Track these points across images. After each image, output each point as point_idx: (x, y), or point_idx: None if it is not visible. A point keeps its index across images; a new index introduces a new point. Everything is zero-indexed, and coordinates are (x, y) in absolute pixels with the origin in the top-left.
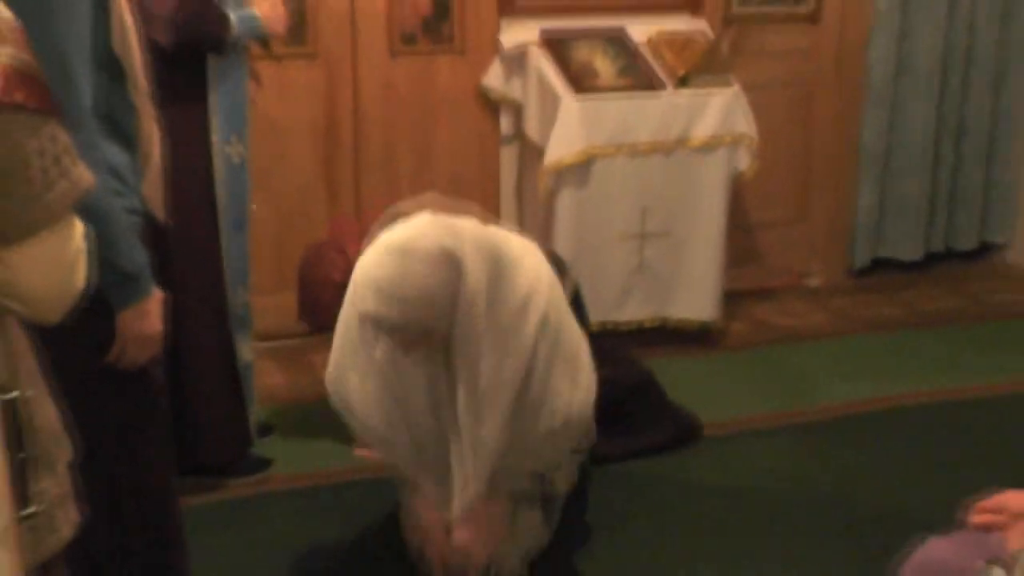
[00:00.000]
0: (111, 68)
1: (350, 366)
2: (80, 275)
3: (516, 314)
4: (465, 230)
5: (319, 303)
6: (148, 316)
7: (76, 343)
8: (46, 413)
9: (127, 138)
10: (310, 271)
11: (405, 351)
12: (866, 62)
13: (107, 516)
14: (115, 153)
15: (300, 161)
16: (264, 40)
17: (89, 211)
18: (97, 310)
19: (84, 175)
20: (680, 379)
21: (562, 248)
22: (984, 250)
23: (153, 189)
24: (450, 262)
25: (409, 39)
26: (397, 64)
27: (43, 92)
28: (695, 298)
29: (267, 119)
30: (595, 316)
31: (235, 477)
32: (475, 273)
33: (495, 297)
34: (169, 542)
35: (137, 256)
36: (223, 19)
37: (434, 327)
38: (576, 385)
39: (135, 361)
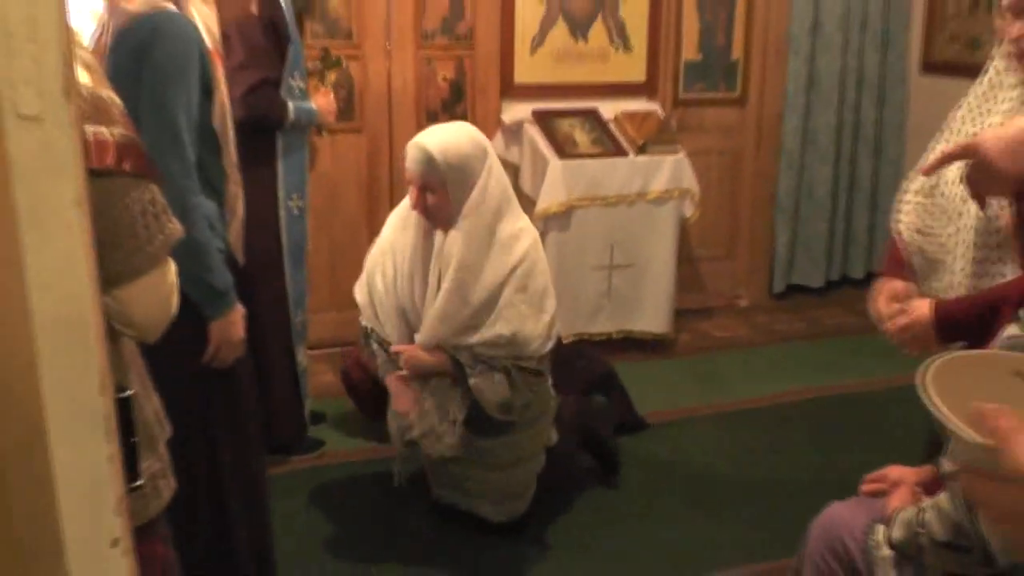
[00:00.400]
0: (210, 141)
1: (375, 266)
2: (174, 304)
3: (511, 235)
4: None
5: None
6: (234, 325)
7: (185, 349)
8: (150, 405)
9: (219, 196)
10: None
11: (414, 204)
12: (780, 135)
13: (208, 480)
14: (209, 206)
15: (349, 208)
16: (318, 126)
17: (192, 242)
18: (198, 324)
19: (176, 228)
20: (640, 378)
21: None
22: (871, 278)
23: (236, 237)
24: (483, 149)
25: (432, 115)
26: None
27: (145, 161)
28: (652, 315)
29: (325, 177)
30: (572, 329)
31: (296, 455)
32: (495, 173)
33: (500, 209)
34: (256, 502)
35: (226, 278)
36: (283, 106)
37: (446, 183)
38: (537, 318)
39: (225, 361)
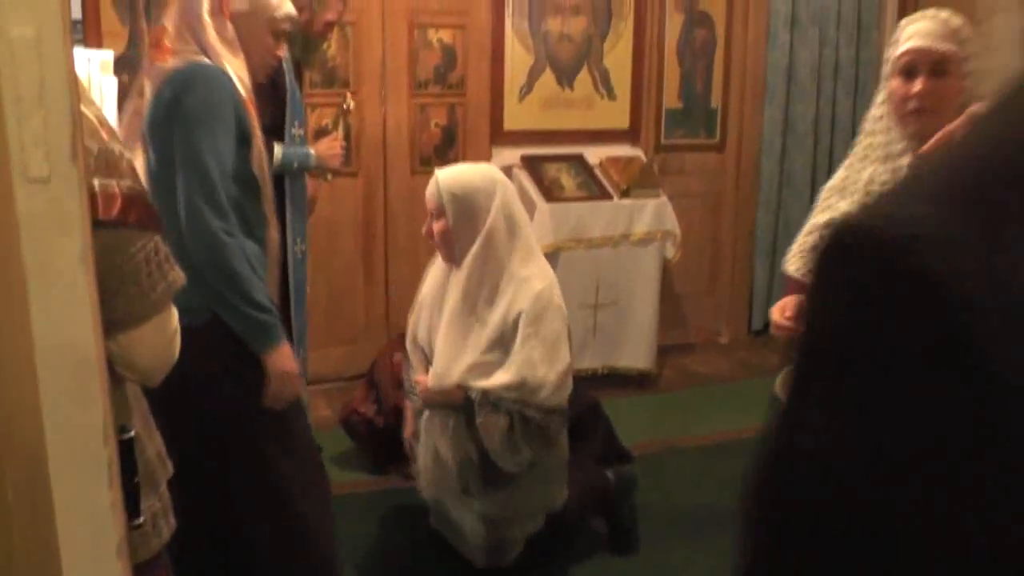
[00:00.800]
0: (250, 187)
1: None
2: (175, 350)
3: (522, 278)
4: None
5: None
6: (285, 357)
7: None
8: (152, 445)
9: (259, 240)
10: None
11: (424, 230)
12: (758, 177)
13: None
14: (251, 246)
15: (346, 250)
16: (319, 171)
17: (233, 276)
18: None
19: (179, 276)
20: (624, 412)
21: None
22: None
23: (272, 279)
24: (493, 186)
25: (426, 161)
26: (416, 179)
27: (150, 213)
28: (636, 351)
29: (323, 220)
30: None
31: None
32: (505, 212)
33: (509, 248)
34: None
35: (269, 312)
36: (269, 151)
37: (447, 211)
38: (550, 365)
39: (283, 398)
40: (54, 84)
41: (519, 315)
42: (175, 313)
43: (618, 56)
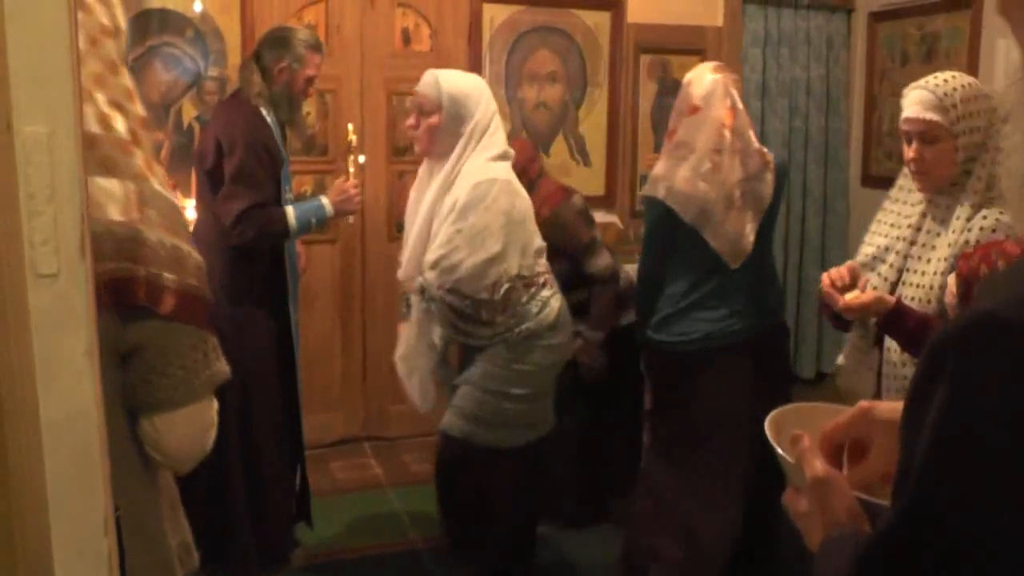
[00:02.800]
0: None
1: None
2: (209, 441)
3: (468, 173)
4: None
5: None
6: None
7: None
8: (177, 536)
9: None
10: None
11: (408, 122)
12: None
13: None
14: None
15: (325, 317)
16: (325, 223)
17: None
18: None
19: (223, 368)
20: None
21: None
22: (820, 377)
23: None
24: (483, 95)
25: (401, 227)
26: (394, 246)
27: (206, 312)
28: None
29: (300, 286)
30: None
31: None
32: (487, 116)
33: (478, 147)
34: None
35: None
36: (279, 219)
37: (441, 108)
38: (471, 253)
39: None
40: (65, 182)
41: (451, 207)
42: (215, 405)
43: (593, 123)
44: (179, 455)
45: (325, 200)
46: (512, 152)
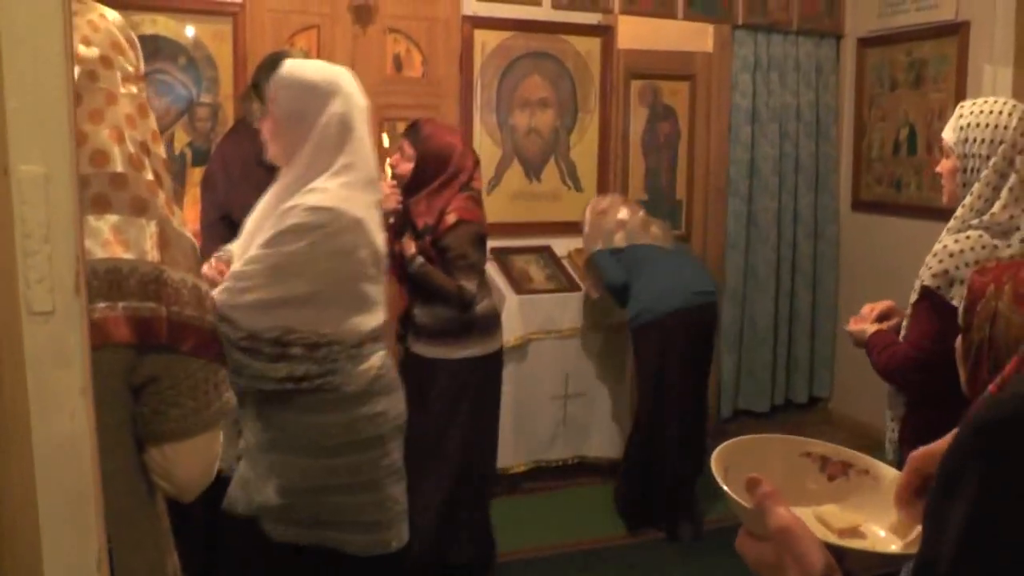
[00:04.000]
0: None
1: None
2: (213, 472)
3: (311, 189)
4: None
5: None
6: None
7: None
8: (171, 563)
9: None
10: None
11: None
12: (724, 269)
13: None
14: None
15: None
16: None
17: None
18: None
19: (231, 399)
20: (595, 502)
21: (507, 404)
22: (813, 402)
23: None
24: (333, 89)
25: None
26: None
27: (215, 344)
28: (606, 441)
29: None
30: (531, 456)
31: None
32: (342, 113)
33: (330, 161)
34: None
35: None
36: None
37: (274, 100)
38: (259, 286)
39: None
40: (60, 221)
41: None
42: (220, 437)
43: (584, 149)
44: (187, 484)
45: None
46: (381, 189)
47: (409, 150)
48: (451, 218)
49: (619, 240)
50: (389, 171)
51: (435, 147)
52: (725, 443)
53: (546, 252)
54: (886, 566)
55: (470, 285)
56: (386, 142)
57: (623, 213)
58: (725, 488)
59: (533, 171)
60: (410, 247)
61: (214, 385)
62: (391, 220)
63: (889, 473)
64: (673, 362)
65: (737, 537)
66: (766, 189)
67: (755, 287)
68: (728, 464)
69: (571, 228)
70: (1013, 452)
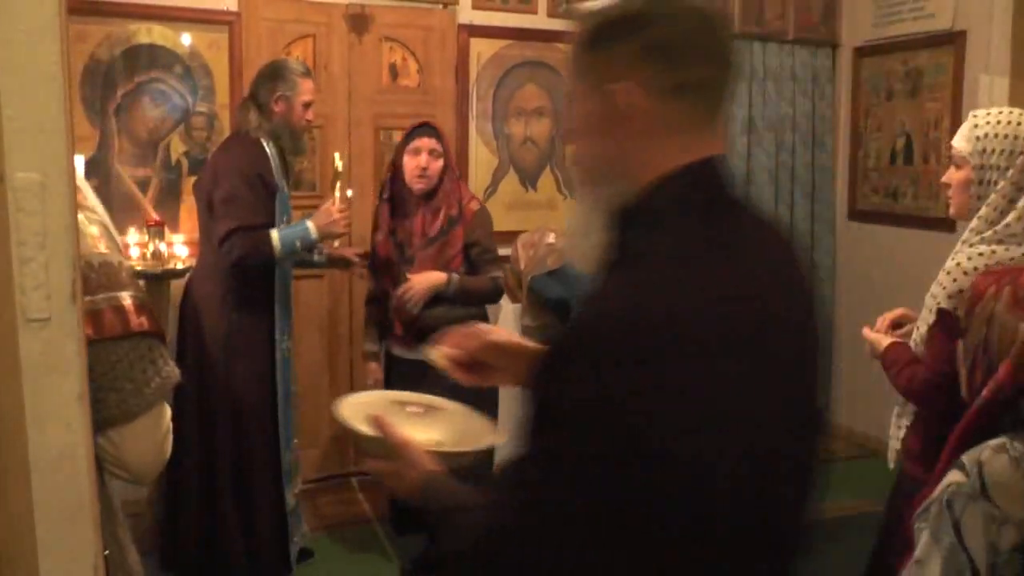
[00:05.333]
0: None
1: None
2: (167, 448)
3: None
4: None
5: None
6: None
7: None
8: (132, 555)
9: None
10: None
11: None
12: None
13: None
14: None
15: (312, 353)
16: (311, 247)
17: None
18: None
19: (173, 372)
20: None
21: (501, 412)
22: None
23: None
24: None
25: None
26: None
27: (154, 318)
28: None
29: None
30: None
31: None
32: None
33: None
34: None
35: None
36: (263, 240)
37: None
38: None
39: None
40: (56, 228)
41: None
42: (168, 411)
43: None
44: (140, 467)
45: (310, 223)
46: None
47: (439, 147)
48: (474, 204)
49: (552, 263)
50: (338, 194)
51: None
52: (341, 399)
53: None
54: (458, 459)
55: (499, 273)
56: (339, 165)
57: (551, 238)
58: (355, 425)
59: (529, 180)
60: (438, 276)
61: (151, 362)
62: (336, 244)
63: (450, 406)
64: None
65: (367, 463)
66: (762, 199)
67: None
68: (349, 414)
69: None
70: (609, 345)
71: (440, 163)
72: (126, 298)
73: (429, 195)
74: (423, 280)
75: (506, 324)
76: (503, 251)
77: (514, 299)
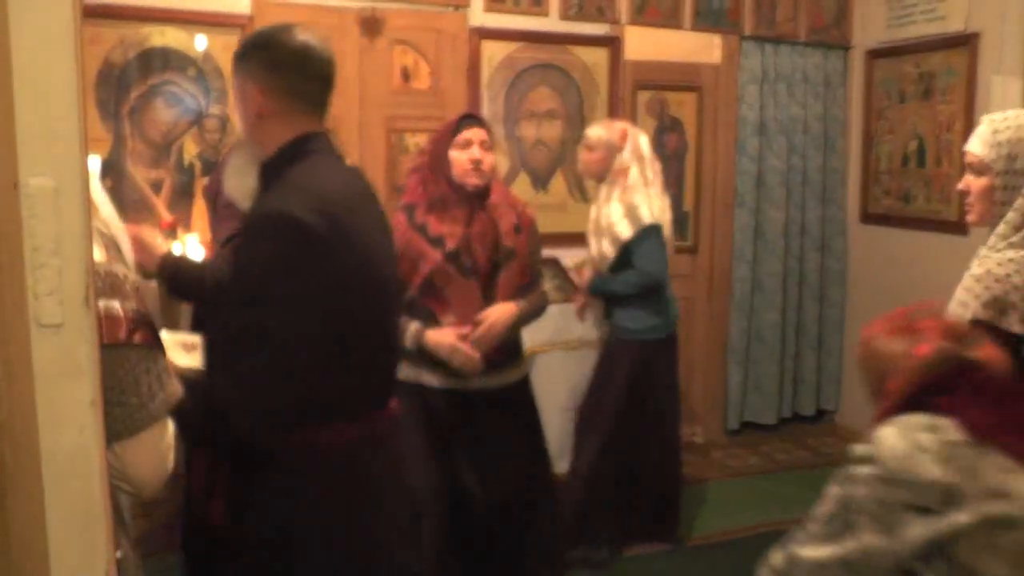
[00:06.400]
0: None
1: None
2: (170, 462)
3: None
4: None
5: None
6: None
7: None
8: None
9: None
10: None
11: None
12: (730, 282)
13: None
14: None
15: None
16: None
17: None
18: None
19: (176, 388)
20: None
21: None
22: (820, 415)
23: None
24: None
25: None
26: None
27: (153, 332)
28: None
29: None
30: None
31: None
32: None
33: None
34: None
35: None
36: None
37: None
38: None
39: None
40: (70, 235)
41: None
42: (171, 427)
43: None
44: (144, 481)
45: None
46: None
47: (488, 139)
48: (529, 209)
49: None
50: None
51: None
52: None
53: (553, 263)
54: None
55: (544, 286)
56: None
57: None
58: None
59: (540, 182)
60: (510, 311)
61: (156, 376)
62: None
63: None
64: (662, 387)
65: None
66: (773, 201)
67: (762, 299)
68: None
69: (578, 239)
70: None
71: (493, 156)
72: (119, 308)
73: (483, 196)
74: (502, 319)
75: None
76: None
77: None
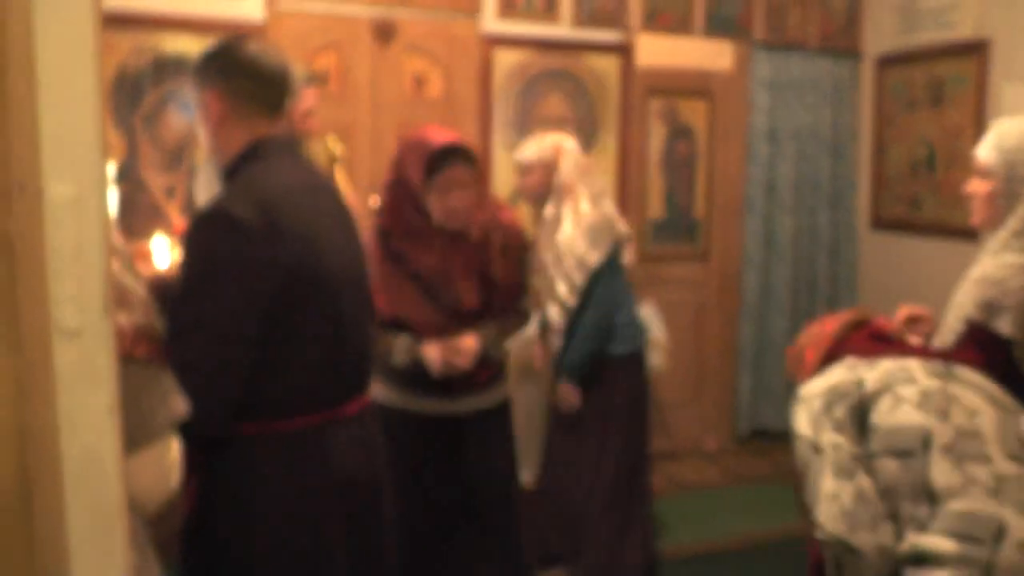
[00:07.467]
0: None
1: None
2: (173, 480)
3: None
4: None
5: None
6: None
7: None
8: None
9: None
10: None
11: None
12: (740, 288)
13: None
14: None
15: None
16: None
17: None
18: None
19: (179, 406)
20: None
21: (516, 426)
22: None
23: None
24: None
25: None
26: None
27: (156, 348)
28: None
29: None
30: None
31: None
32: None
33: None
34: None
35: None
36: None
37: None
38: None
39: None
40: (90, 241)
41: None
42: (175, 444)
43: (603, 168)
44: (145, 497)
45: None
46: None
47: (470, 176)
48: (514, 214)
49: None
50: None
51: None
52: None
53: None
54: None
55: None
56: (335, 149)
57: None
58: None
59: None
60: (473, 340)
61: (159, 393)
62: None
63: None
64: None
65: None
66: (784, 208)
67: (772, 306)
68: None
69: None
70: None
71: (471, 192)
72: (122, 321)
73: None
74: (471, 348)
75: (524, 337)
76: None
77: None
